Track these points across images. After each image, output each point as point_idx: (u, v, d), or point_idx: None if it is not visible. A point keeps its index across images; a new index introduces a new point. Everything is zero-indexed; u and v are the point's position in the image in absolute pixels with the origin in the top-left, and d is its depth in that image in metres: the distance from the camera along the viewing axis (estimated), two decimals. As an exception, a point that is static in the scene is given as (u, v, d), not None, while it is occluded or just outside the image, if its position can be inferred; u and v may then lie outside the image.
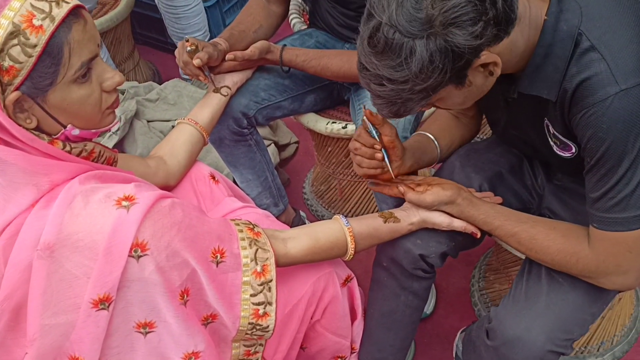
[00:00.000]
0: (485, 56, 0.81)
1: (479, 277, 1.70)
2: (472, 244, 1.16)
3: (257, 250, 0.97)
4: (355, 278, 1.20)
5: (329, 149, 1.82)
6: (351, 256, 1.08)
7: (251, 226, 1.00)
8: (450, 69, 0.80)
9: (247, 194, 1.67)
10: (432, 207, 1.07)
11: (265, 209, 1.71)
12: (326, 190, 2.04)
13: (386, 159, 1.06)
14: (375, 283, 1.24)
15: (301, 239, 1.04)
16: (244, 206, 1.26)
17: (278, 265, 1.00)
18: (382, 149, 1.05)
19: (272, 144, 2.12)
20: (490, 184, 1.16)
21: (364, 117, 1.03)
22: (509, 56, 0.86)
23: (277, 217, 1.75)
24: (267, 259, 0.97)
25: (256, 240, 0.98)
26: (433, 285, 1.71)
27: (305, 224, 1.95)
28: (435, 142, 1.18)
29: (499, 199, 1.11)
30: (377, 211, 1.10)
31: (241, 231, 0.98)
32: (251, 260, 0.96)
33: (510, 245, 1.01)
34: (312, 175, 2.21)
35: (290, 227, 1.89)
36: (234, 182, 1.75)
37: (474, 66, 0.82)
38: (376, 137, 1.04)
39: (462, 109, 1.18)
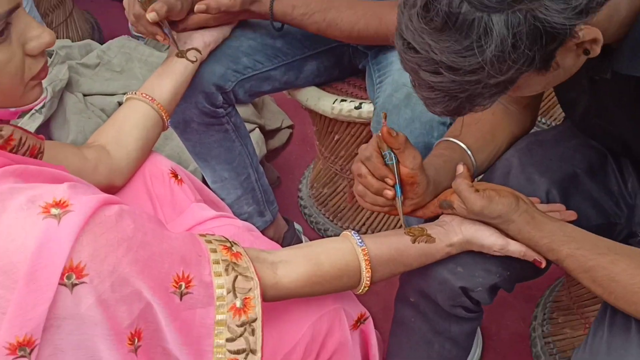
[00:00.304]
0: (584, 32, 0.81)
1: (543, 318, 1.71)
2: (533, 275, 1.16)
3: (236, 277, 0.97)
4: (371, 318, 1.20)
5: (336, 138, 1.83)
6: (366, 288, 1.09)
7: (228, 244, 1.01)
8: (538, 53, 0.80)
9: (222, 199, 1.70)
10: (480, 217, 1.08)
11: (246, 220, 1.75)
12: (331, 195, 2.06)
13: (399, 198, 1.08)
14: (399, 325, 1.25)
15: (297, 264, 1.04)
16: (217, 216, 1.27)
17: (265, 299, 1.00)
18: (396, 184, 1.07)
19: (257, 129, 2.15)
20: (561, 191, 1.17)
21: (380, 133, 1.05)
22: (607, 24, 0.86)
23: (263, 232, 1.81)
24: (249, 290, 0.98)
25: (235, 263, 0.98)
26: (479, 329, 1.72)
27: (301, 241, 1.98)
28: (472, 157, 1.20)
29: (573, 215, 1.12)
30: (401, 226, 1.11)
31: (214, 251, 0.98)
32: (228, 292, 0.96)
33: (583, 283, 1.02)
34: (311, 173, 2.23)
35: (282, 245, 1.92)
36: (204, 181, 1.77)
37: (567, 45, 0.83)
38: (392, 164, 1.06)
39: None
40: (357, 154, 1.82)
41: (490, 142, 1.23)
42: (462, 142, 1.20)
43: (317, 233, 2.09)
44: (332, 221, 2.06)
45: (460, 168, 1.12)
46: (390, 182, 1.07)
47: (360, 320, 1.19)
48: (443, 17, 0.78)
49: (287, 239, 1.91)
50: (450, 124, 1.39)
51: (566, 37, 0.80)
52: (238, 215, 1.75)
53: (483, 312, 1.23)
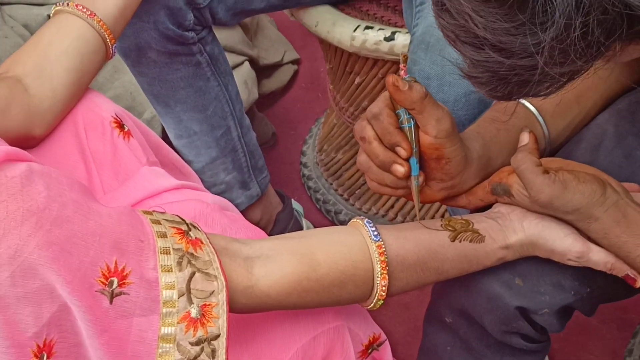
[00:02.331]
0: None
1: None
2: (624, 294, 1.16)
3: (192, 275, 0.97)
4: (388, 343, 1.20)
5: (357, 81, 1.83)
6: (380, 301, 1.08)
7: (184, 227, 1.02)
8: (619, 42, 0.80)
9: (189, 161, 1.73)
10: (548, 210, 1.07)
11: (222, 194, 1.78)
12: (347, 163, 2.07)
13: (414, 178, 1.07)
14: (430, 356, 1.25)
15: (282, 261, 1.04)
16: (178, 186, 1.28)
17: (234, 308, 1.01)
18: (412, 157, 1.06)
19: (247, 64, 2.16)
20: None
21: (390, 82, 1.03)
22: None
23: (246, 211, 1.83)
24: (211, 294, 0.98)
25: (193, 255, 0.99)
26: None
27: (301, 227, 2.00)
28: (543, 124, 1.19)
29: None
30: (443, 215, 1.11)
31: (163, 235, 0.99)
32: (180, 295, 0.96)
33: None
34: (320, 130, 2.23)
35: (272, 233, 1.98)
36: (164, 136, 1.77)
37: None
38: (409, 128, 1.05)
39: None
40: None
41: (574, 105, 1.22)
42: (530, 102, 1.19)
43: (326, 216, 2.10)
44: (347, 200, 2.07)
45: (525, 137, 1.10)
46: (404, 153, 1.06)
47: (372, 345, 1.19)
48: None
49: (281, 224, 1.92)
50: None
51: None
52: (211, 186, 1.77)
53: (550, 342, 1.22)
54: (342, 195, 2.08)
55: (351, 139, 2.03)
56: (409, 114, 1.05)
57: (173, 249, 0.98)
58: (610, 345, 1.76)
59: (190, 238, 1.01)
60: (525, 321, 1.14)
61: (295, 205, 2.01)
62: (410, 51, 1.43)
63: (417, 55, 1.38)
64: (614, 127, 1.19)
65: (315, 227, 2.05)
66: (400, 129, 1.06)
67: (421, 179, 1.08)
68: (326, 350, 1.13)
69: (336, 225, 2.06)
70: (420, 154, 1.07)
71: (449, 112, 1.06)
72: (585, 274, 1.10)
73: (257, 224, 1.81)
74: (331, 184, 2.10)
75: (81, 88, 1.29)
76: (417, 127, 1.06)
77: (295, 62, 2.30)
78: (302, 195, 2.14)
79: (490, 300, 1.14)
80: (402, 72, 1.03)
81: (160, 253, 0.97)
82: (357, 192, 2.05)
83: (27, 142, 1.23)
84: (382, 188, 1.11)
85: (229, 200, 1.73)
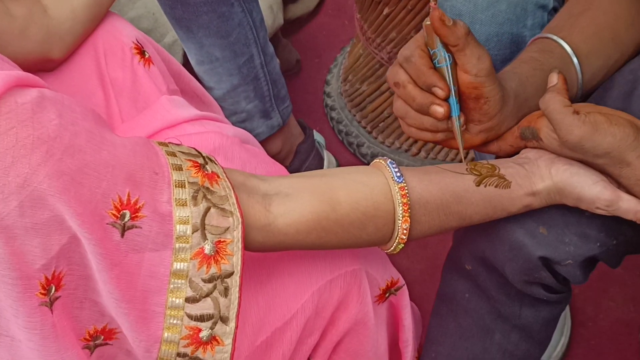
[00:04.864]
0: None
1: None
2: None
3: (208, 210, 0.97)
4: (406, 287, 1.21)
5: (385, 11, 1.82)
6: (401, 245, 1.07)
7: (200, 160, 1.01)
8: None
9: (210, 88, 1.73)
10: (578, 153, 1.05)
11: (243, 122, 1.79)
12: (371, 95, 2.05)
13: (455, 118, 1.05)
14: (446, 302, 1.26)
15: (302, 199, 1.03)
16: (198, 117, 1.28)
17: (249, 246, 1.00)
18: (452, 96, 1.04)
19: None
20: None
21: (427, 22, 1.01)
22: None
23: (267, 141, 1.83)
24: (226, 230, 0.97)
25: (208, 189, 0.98)
26: (567, 311, 1.72)
27: (322, 158, 2.00)
28: (577, 65, 1.16)
29: None
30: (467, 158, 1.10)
31: (179, 168, 0.98)
32: (194, 230, 0.96)
33: None
34: (346, 59, 2.21)
35: (292, 163, 1.99)
36: (184, 61, 1.78)
37: None
38: (445, 67, 1.03)
39: None
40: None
41: (610, 44, 1.18)
42: (566, 41, 1.16)
43: (348, 149, 2.10)
44: (370, 133, 2.07)
45: (554, 78, 1.07)
46: (441, 93, 1.03)
47: (390, 290, 1.19)
48: None
49: (302, 155, 1.93)
50: (555, 9, 1.35)
51: None
52: (231, 114, 1.77)
53: (571, 293, 1.21)
54: (365, 128, 2.07)
55: (377, 70, 2.00)
56: (448, 53, 1.03)
57: (188, 182, 0.98)
58: (631, 292, 1.76)
59: (206, 172, 1.00)
60: (547, 271, 1.13)
61: (317, 136, 2.00)
62: None
63: None
64: None
65: (336, 159, 2.05)
66: (435, 68, 1.04)
67: (462, 119, 1.06)
68: (342, 294, 1.13)
69: (357, 157, 2.07)
70: (458, 93, 1.05)
71: (487, 51, 1.04)
72: (612, 225, 1.08)
73: (277, 155, 1.86)
74: (354, 115, 2.09)
75: (102, 10, 1.27)
76: (454, 66, 1.04)
77: (322, -15, 2.28)
78: (324, 126, 2.13)
79: (512, 249, 1.12)
80: (434, 10, 1.01)
81: (175, 186, 0.97)
82: (380, 125, 2.03)
83: (45, 64, 1.23)
84: (421, 133, 1.09)
85: (250, 130, 1.77)
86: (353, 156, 2.08)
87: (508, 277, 1.15)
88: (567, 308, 1.73)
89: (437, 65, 1.04)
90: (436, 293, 1.28)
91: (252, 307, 1.06)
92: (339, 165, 2.04)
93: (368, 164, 2.02)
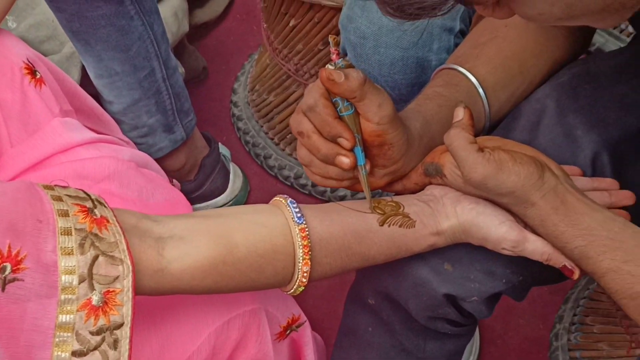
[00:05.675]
0: None
1: (572, 322, 1.72)
2: (557, 279, 1.14)
3: (95, 258, 0.93)
4: (308, 324, 1.20)
5: (292, 23, 1.82)
6: (301, 287, 1.06)
7: (88, 203, 0.97)
8: None
9: (110, 101, 1.71)
10: (482, 192, 1.04)
11: (143, 137, 1.76)
12: (279, 106, 2.05)
13: (361, 167, 1.04)
14: (349, 335, 1.25)
15: (198, 242, 1.00)
16: (93, 140, 1.25)
17: (141, 291, 0.97)
18: (357, 146, 1.04)
19: None
20: (615, 157, 1.14)
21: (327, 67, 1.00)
22: None
23: (169, 155, 1.81)
24: (116, 279, 0.94)
25: (97, 236, 0.94)
26: (476, 332, 1.73)
27: (228, 171, 1.98)
28: (484, 98, 1.16)
29: (629, 197, 1.09)
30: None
31: (65, 214, 0.94)
32: (81, 281, 0.92)
33: (627, 313, 1.01)
34: (253, 67, 2.21)
35: (195, 178, 1.97)
36: (83, 73, 1.75)
37: None
38: (349, 116, 1.02)
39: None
40: (321, 51, 1.79)
41: (516, 74, 1.19)
42: (472, 73, 1.16)
43: (255, 160, 2.08)
44: (277, 145, 2.07)
45: (460, 112, 1.07)
46: (347, 144, 1.02)
47: (291, 327, 1.18)
48: None
49: (206, 168, 1.91)
50: (462, 31, 1.36)
51: None
52: (132, 129, 1.75)
53: (477, 325, 1.23)
54: (272, 140, 2.07)
55: (284, 81, 2.00)
56: (348, 101, 1.02)
57: (75, 229, 0.94)
58: (540, 309, 1.77)
59: (95, 216, 0.96)
60: (452, 307, 1.13)
61: (222, 149, 1.99)
62: (346, 6, 1.40)
63: (353, 11, 1.35)
64: (555, 102, 1.17)
65: (243, 171, 2.04)
66: (339, 117, 1.03)
67: (368, 167, 1.06)
68: (240, 335, 1.11)
69: (265, 170, 2.06)
70: (362, 141, 1.05)
71: (388, 95, 1.03)
72: (519, 261, 1.09)
73: (181, 169, 1.85)
74: (262, 126, 2.09)
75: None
76: (357, 113, 1.03)
77: (228, -9, 2.26)
78: (230, 136, 2.11)
79: (416, 286, 1.12)
80: (333, 56, 1.00)
81: (61, 234, 0.93)
82: (288, 137, 2.03)
83: None
84: (327, 181, 1.09)
85: (152, 145, 1.75)
86: (260, 168, 2.07)
87: (412, 313, 1.14)
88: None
89: (340, 114, 1.03)
90: (337, 331, 1.27)
91: (145, 350, 1.04)
92: (245, 177, 2.03)
93: (275, 176, 2.03)
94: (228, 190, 1.96)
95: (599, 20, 0.90)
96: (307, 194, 1.97)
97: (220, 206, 1.96)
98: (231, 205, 1.97)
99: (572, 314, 1.73)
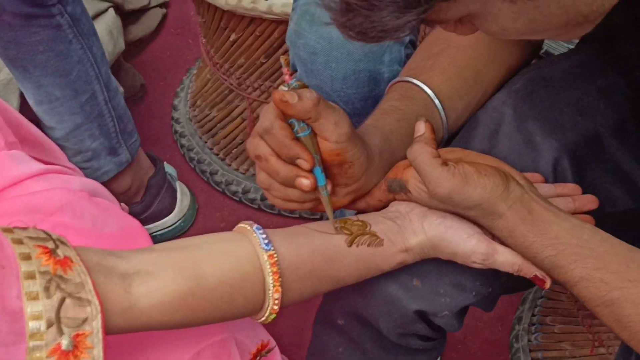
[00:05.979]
0: None
1: (532, 323, 1.73)
2: (526, 286, 1.19)
3: (62, 301, 0.91)
4: (277, 348, 1.19)
5: (232, 37, 1.83)
6: (272, 315, 1.05)
7: (50, 244, 0.94)
8: None
9: (51, 127, 1.69)
10: (448, 206, 1.04)
11: (87, 161, 1.75)
12: (223, 121, 2.05)
13: (322, 188, 1.03)
14: (320, 357, 1.25)
15: (165, 277, 0.99)
16: (42, 171, 1.23)
17: (111, 331, 0.95)
18: (316, 166, 1.02)
19: (112, 10, 2.13)
20: (575, 161, 1.15)
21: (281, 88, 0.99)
22: None
23: (115, 178, 1.80)
24: (85, 321, 0.92)
25: (62, 277, 0.92)
26: None
27: (175, 190, 1.97)
28: (441, 110, 1.17)
29: (592, 202, 1.10)
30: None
31: (27, 257, 0.92)
32: (49, 325, 0.90)
33: (601, 320, 1.01)
34: (192, 82, 2.21)
35: (142, 199, 1.96)
36: (22, 100, 1.75)
37: None
38: (306, 137, 1.01)
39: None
40: (264, 64, 1.79)
41: (471, 83, 1.20)
42: (427, 84, 1.16)
43: (201, 177, 2.07)
44: (223, 160, 2.07)
45: (421, 126, 1.06)
46: (306, 165, 1.01)
47: (260, 353, 1.18)
48: None
49: (153, 189, 1.91)
50: (412, 42, 1.36)
51: None
52: (76, 154, 1.74)
53: (446, 338, 1.23)
54: (217, 155, 2.07)
55: (227, 96, 2.00)
56: (304, 122, 1.01)
57: (39, 272, 0.92)
58: (498, 312, 1.76)
59: (58, 257, 0.94)
60: (423, 323, 1.13)
61: (168, 168, 1.98)
62: (293, 22, 1.39)
63: (301, 27, 1.35)
64: (512, 109, 1.18)
65: (190, 190, 2.03)
66: (297, 139, 1.02)
67: (329, 187, 1.05)
68: None
69: (212, 186, 2.05)
70: (321, 161, 1.04)
71: (344, 113, 1.02)
72: (488, 272, 1.08)
73: (127, 191, 1.85)
74: (206, 142, 2.08)
75: None
76: (314, 133, 1.02)
77: (163, 5, 2.30)
78: (174, 153, 2.10)
79: (386, 304, 1.12)
80: (286, 77, 0.99)
81: (25, 278, 0.91)
82: (233, 151, 2.03)
83: None
84: (288, 204, 1.08)
85: (97, 168, 1.75)
86: (207, 185, 2.06)
87: (383, 331, 1.14)
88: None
89: (297, 135, 1.02)
90: (306, 352, 1.27)
91: (117, 389, 1.02)
92: (193, 196, 2.02)
93: (223, 192, 2.02)
94: (176, 209, 1.94)
95: (562, 34, 0.91)
96: (257, 208, 1.96)
97: (169, 226, 1.94)
98: (180, 224, 1.97)
99: (530, 314, 1.74)
